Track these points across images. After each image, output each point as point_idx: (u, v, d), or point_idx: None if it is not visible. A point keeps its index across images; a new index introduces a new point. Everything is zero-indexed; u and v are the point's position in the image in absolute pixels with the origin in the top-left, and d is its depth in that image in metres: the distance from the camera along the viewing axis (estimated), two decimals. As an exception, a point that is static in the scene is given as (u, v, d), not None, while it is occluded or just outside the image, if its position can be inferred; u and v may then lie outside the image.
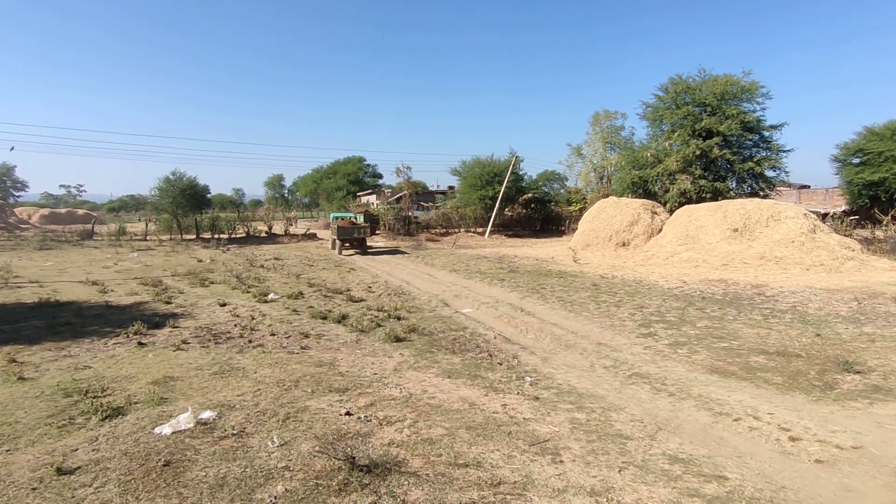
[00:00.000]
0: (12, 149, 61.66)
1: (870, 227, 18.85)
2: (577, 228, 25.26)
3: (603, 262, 18.29)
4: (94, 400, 5.15)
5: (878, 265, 14.05)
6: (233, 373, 6.17)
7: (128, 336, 7.88)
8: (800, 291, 11.19)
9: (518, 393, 5.62)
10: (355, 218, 26.74)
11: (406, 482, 3.62)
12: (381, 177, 59.15)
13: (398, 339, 7.86)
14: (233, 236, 31.40)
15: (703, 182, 21.43)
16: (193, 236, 30.53)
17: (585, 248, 21.30)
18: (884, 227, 18.38)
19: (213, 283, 13.67)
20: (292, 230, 35.82)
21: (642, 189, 24.13)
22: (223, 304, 10.52)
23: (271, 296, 11.51)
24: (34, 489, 3.58)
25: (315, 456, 3.96)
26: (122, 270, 16.52)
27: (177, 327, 8.53)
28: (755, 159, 21.83)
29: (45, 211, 54.34)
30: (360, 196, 48.82)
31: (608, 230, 21.39)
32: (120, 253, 22.32)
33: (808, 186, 36.19)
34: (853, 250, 14.94)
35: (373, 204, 39.15)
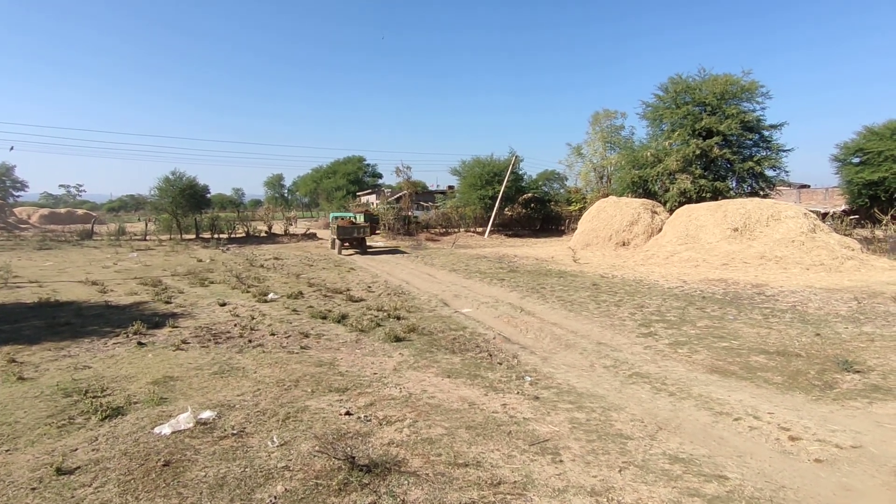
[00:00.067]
0: (12, 148, 61.68)
1: (869, 226, 18.86)
2: (576, 228, 25.26)
3: (603, 261, 18.29)
4: (93, 400, 5.14)
5: (878, 265, 14.06)
6: (232, 373, 6.17)
7: (127, 336, 7.88)
8: (800, 291, 11.19)
9: (518, 392, 5.62)
10: (354, 218, 26.74)
11: (406, 482, 3.62)
12: (380, 176, 59.24)
13: (398, 339, 7.85)
14: (232, 236, 31.41)
15: (703, 181, 21.43)
16: (193, 236, 30.52)
17: (585, 248, 21.29)
18: (883, 227, 18.38)
19: (212, 282, 13.67)
20: (292, 230, 35.83)
21: (642, 189, 24.13)
22: (223, 304, 10.52)
23: (271, 295, 11.51)
24: (34, 489, 3.58)
25: (315, 456, 3.96)
26: (122, 270, 16.52)
27: (176, 327, 8.53)
28: (755, 159, 21.83)
29: (45, 211, 54.34)
30: (359, 196, 48.83)
31: (608, 230, 21.39)
32: (119, 253, 22.31)
33: (808, 186, 36.19)
34: (853, 250, 14.95)
35: (372, 204, 39.17)
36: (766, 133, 22.43)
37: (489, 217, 32.80)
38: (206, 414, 4.80)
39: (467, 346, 7.68)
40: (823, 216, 20.72)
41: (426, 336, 8.21)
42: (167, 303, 10.75)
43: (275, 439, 4.27)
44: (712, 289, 11.93)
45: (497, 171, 32.94)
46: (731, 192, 21.87)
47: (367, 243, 24.13)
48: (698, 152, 21.39)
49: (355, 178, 54.76)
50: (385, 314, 9.74)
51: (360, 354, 7.13)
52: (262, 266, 17.77)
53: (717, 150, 21.37)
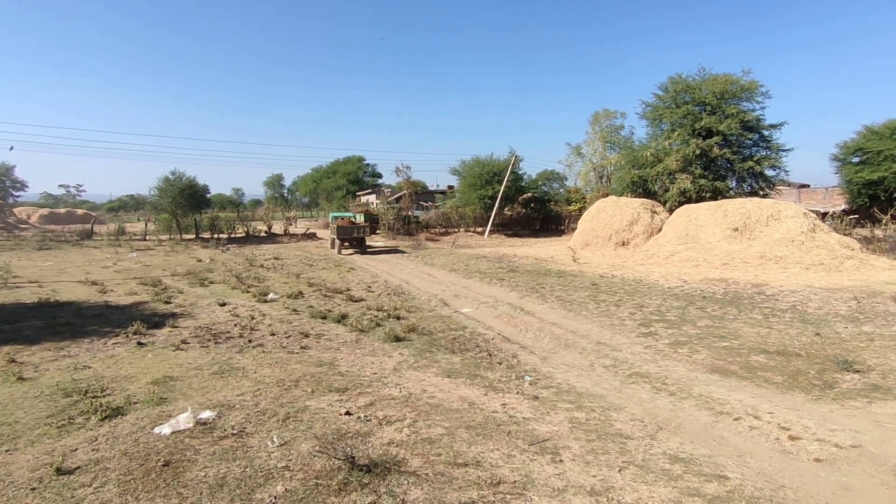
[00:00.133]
0: (11, 148, 61.72)
1: (869, 226, 18.86)
2: (576, 228, 25.25)
3: (602, 261, 18.29)
4: (93, 400, 5.14)
5: (878, 264, 14.06)
6: (232, 373, 6.17)
7: (127, 336, 7.88)
8: (800, 290, 11.20)
9: (517, 392, 5.62)
10: (354, 217, 26.75)
11: (406, 482, 3.62)
12: (380, 176, 59.22)
13: (398, 339, 7.85)
14: (232, 236, 31.41)
15: (702, 181, 21.43)
16: (193, 236, 30.51)
17: (585, 248, 21.29)
18: (883, 226, 18.39)
19: (212, 282, 13.67)
20: (292, 230, 35.83)
21: (642, 188, 24.13)
22: (223, 304, 10.52)
23: (271, 295, 11.51)
24: (34, 489, 3.58)
25: (315, 456, 3.96)
26: (122, 270, 16.52)
27: (176, 327, 8.53)
28: (755, 158, 21.82)
29: (45, 211, 54.34)
30: (359, 196, 48.81)
31: (608, 229, 21.39)
32: (119, 253, 22.31)
33: (808, 185, 36.17)
34: (853, 249, 14.95)
35: (372, 203, 39.16)
36: (765, 133, 22.43)
37: (489, 217, 32.80)
38: (206, 414, 4.79)
39: (467, 346, 7.68)
40: (823, 216, 20.72)
41: (426, 336, 8.21)
42: (167, 303, 10.75)
43: (275, 439, 4.27)
44: (712, 288, 11.93)
45: (497, 170, 32.94)
46: (731, 191, 21.87)
47: (367, 243, 24.14)
48: (698, 152, 21.39)
49: (355, 177, 54.75)
50: (385, 314, 9.74)
51: (360, 354, 7.13)
52: (261, 266, 17.77)
53: (717, 150, 21.37)
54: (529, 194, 35.49)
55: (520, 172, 34.80)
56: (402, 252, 23.29)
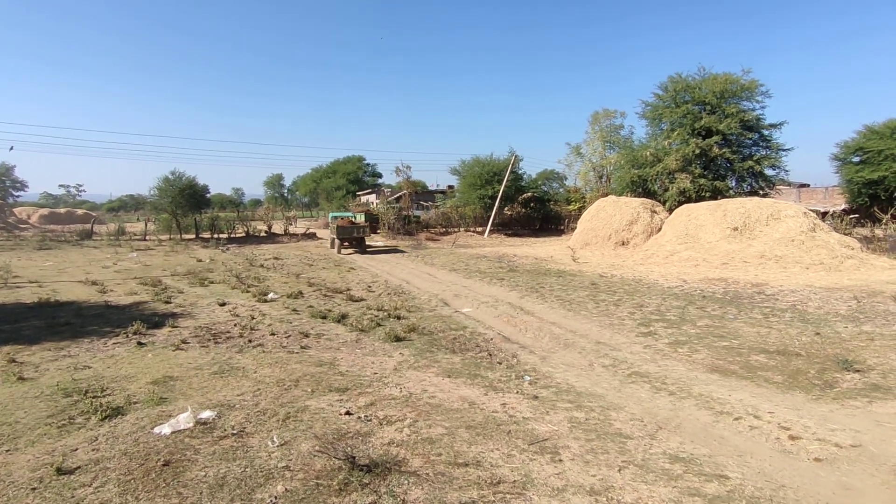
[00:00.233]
0: (11, 148, 61.74)
1: (869, 225, 18.86)
2: (576, 227, 25.26)
3: (602, 261, 18.29)
4: (93, 400, 5.14)
5: (878, 264, 14.06)
6: (232, 372, 6.17)
7: (127, 336, 7.88)
8: (799, 290, 11.20)
9: (517, 392, 5.62)
10: (354, 217, 26.76)
11: (406, 481, 3.62)
12: (380, 176, 59.21)
13: (398, 339, 7.86)
14: (232, 236, 31.42)
15: (702, 181, 21.42)
16: (193, 236, 30.51)
17: (584, 247, 21.30)
18: (883, 226, 18.39)
19: (212, 282, 13.67)
20: (292, 230, 35.83)
21: (641, 188, 24.13)
22: (223, 304, 10.52)
23: (271, 295, 11.51)
24: (34, 489, 3.58)
25: (315, 455, 3.96)
26: (122, 270, 16.52)
27: (176, 327, 8.53)
28: (755, 158, 21.81)
29: (45, 211, 54.35)
30: (359, 195, 48.81)
31: (607, 229, 21.39)
32: (119, 253, 22.31)
33: (808, 185, 36.18)
34: (853, 249, 14.95)
35: (372, 203, 39.16)
36: (765, 132, 22.42)
37: (489, 216, 32.80)
38: (206, 414, 4.80)
39: (467, 346, 7.68)
40: (823, 215, 20.71)
41: (426, 336, 8.21)
42: (167, 303, 10.75)
43: (275, 439, 4.28)
44: (712, 288, 11.93)
45: (497, 170, 32.95)
46: (731, 191, 21.86)
47: (367, 243, 24.14)
48: (698, 151, 21.39)
49: (355, 177, 54.75)
50: (385, 314, 9.74)
51: (361, 354, 7.13)
52: (261, 266, 17.77)
53: (717, 150, 21.36)
54: (529, 194, 35.49)
55: (520, 172, 34.82)
56: (402, 252, 23.29)
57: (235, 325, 8.77)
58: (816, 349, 7.04)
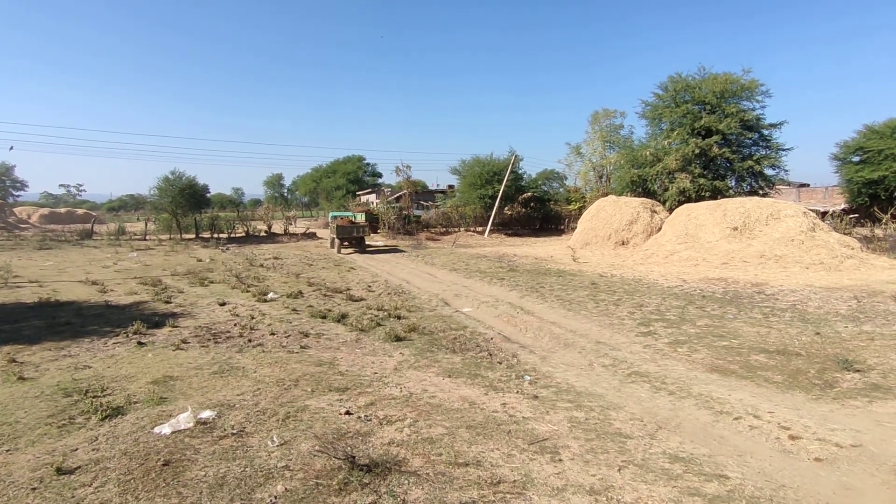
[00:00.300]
0: (11, 148, 61.76)
1: (869, 225, 18.86)
2: (576, 227, 25.26)
3: (602, 260, 18.30)
4: (93, 400, 5.15)
5: (878, 263, 14.06)
6: (232, 372, 6.17)
7: (127, 336, 7.88)
8: (799, 290, 11.20)
9: (517, 392, 5.62)
10: (354, 217, 26.76)
11: (406, 481, 3.62)
12: (380, 176, 59.16)
13: (398, 339, 7.85)
14: (232, 235, 31.41)
15: (702, 181, 21.42)
16: (193, 236, 30.51)
17: (584, 247, 21.30)
18: (883, 226, 18.38)
19: (212, 282, 13.67)
20: (292, 229, 35.81)
21: (641, 188, 24.13)
22: (223, 304, 10.52)
23: (271, 295, 11.51)
24: (34, 489, 3.58)
25: (315, 455, 3.96)
26: (122, 270, 16.52)
27: (176, 327, 8.53)
28: (754, 158, 21.81)
29: (45, 210, 54.33)
30: (359, 195, 48.78)
31: (607, 229, 21.39)
32: (119, 252, 22.31)
33: (808, 185, 36.17)
34: (853, 248, 14.95)
35: (372, 203, 39.14)
36: (765, 132, 22.43)
37: (489, 216, 32.80)
38: (206, 413, 4.80)
39: (467, 346, 7.68)
40: (823, 215, 20.72)
41: (427, 335, 8.21)
42: (167, 302, 10.75)
43: (275, 439, 4.28)
44: (712, 288, 11.93)
45: (497, 170, 32.94)
46: (731, 191, 21.87)
47: (367, 242, 24.14)
48: (697, 151, 21.39)
49: (355, 177, 54.71)
50: (385, 313, 9.74)
51: (361, 354, 7.13)
52: (261, 265, 17.77)
53: (717, 149, 21.36)
54: (529, 194, 35.49)
55: (520, 172, 34.80)
56: (402, 251, 23.29)
57: (235, 324, 8.77)
58: (816, 349, 7.04)
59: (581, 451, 4.16)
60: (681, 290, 11.91)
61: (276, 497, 3.43)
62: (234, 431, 4.47)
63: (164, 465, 3.88)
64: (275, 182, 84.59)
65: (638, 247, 19.71)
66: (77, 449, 4.19)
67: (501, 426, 4.64)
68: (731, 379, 6.03)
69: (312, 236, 32.61)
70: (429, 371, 6.37)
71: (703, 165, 22.03)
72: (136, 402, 5.19)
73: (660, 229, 19.88)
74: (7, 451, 4.17)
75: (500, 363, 6.81)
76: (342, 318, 9.20)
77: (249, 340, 7.75)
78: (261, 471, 3.78)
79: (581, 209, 30.26)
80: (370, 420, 4.75)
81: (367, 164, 58.34)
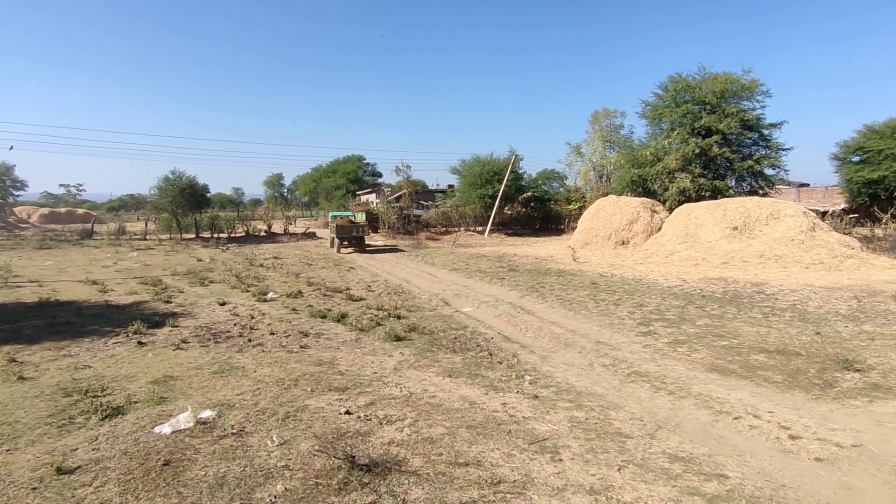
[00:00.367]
0: (11, 148, 61.75)
1: (869, 225, 18.85)
2: (576, 227, 25.25)
3: (602, 260, 18.29)
4: (93, 399, 5.15)
5: (878, 263, 14.06)
6: (232, 372, 6.17)
7: (128, 335, 7.88)
8: (799, 290, 11.20)
9: (518, 391, 5.62)
10: (354, 216, 26.77)
11: (406, 481, 3.62)
12: (380, 175, 59.16)
13: (398, 338, 7.85)
14: (232, 235, 31.41)
15: (702, 180, 21.42)
16: (193, 235, 30.51)
17: (584, 247, 21.29)
18: (883, 225, 18.38)
19: (212, 282, 13.67)
20: (291, 229, 35.81)
21: (641, 187, 24.12)
22: (223, 304, 10.52)
23: (271, 295, 11.51)
24: (34, 489, 3.58)
25: (315, 455, 3.96)
26: (122, 270, 16.51)
27: (176, 326, 8.52)
28: (754, 157, 21.82)
29: (45, 210, 54.32)
30: (359, 195, 48.77)
31: (607, 229, 21.39)
32: (119, 252, 22.30)
33: (808, 185, 36.18)
34: (853, 248, 14.94)
35: (372, 203, 39.13)
36: (765, 132, 22.43)
37: (489, 216, 32.79)
38: (206, 413, 4.80)
39: (468, 346, 7.68)
40: (823, 215, 20.71)
41: (427, 335, 8.21)
42: (167, 302, 10.75)
43: (274, 438, 4.28)
44: (712, 287, 11.93)
45: (497, 170, 32.94)
46: (731, 190, 21.87)
47: (367, 242, 24.14)
48: (697, 151, 21.39)
49: (355, 177, 54.72)
50: (385, 313, 9.74)
51: (360, 353, 7.13)
52: (261, 265, 17.77)
53: (717, 149, 21.36)
54: (529, 193, 35.48)
55: (520, 172, 34.80)
56: (402, 251, 23.29)
57: (235, 324, 8.77)
58: (816, 348, 7.04)
59: (581, 451, 4.16)
60: (681, 289, 11.90)
61: (275, 497, 3.43)
62: (234, 431, 4.47)
63: (164, 464, 3.88)
64: (275, 182, 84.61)
65: (638, 246, 19.71)
66: (77, 449, 4.19)
67: (502, 426, 4.64)
68: (730, 379, 6.03)
69: (312, 236, 32.61)
70: (429, 371, 6.37)
71: (703, 165, 22.03)
72: (136, 402, 5.19)
73: (660, 229, 19.88)
74: (7, 450, 4.17)
75: (501, 363, 6.81)
76: (342, 317, 9.20)
77: (249, 340, 7.75)
78: (260, 470, 3.78)
79: (581, 209, 30.25)
80: (370, 420, 4.75)
81: (367, 163, 58.38)
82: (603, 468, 3.87)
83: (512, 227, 34.45)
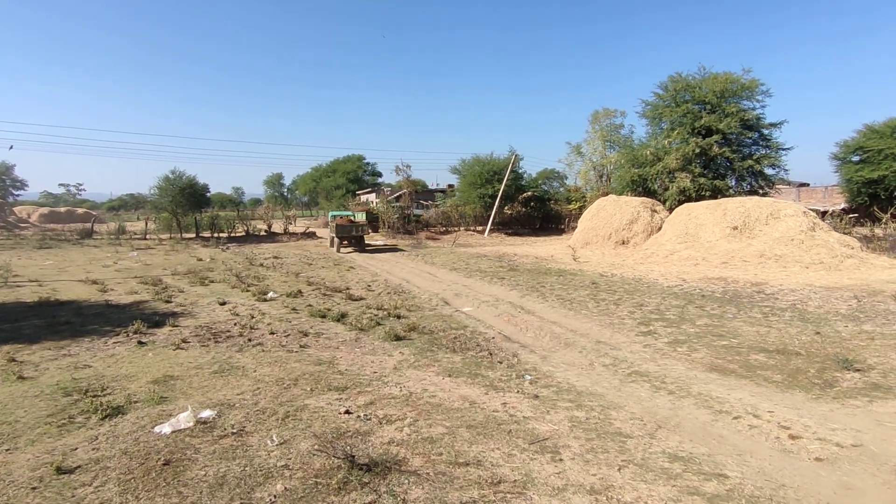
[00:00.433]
0: (11, 147, 61.74)
1: (869, 224, 18.85)
2: (576, 227, 25.24)
3: (602, 260, 18.29)
4: (93, 399, 5.15)
5: (878, 263, 14.06)
6: (232, 371, 6.17)
7: (128, 335, 7.88)
8: (799, 289, 11.19)
9: (518, 391, 5.62)
10: (353, 216, 26.78)
11: (406, 481, 3.62)
12: (380, 175, 59.14)
13: (398, 338, 7.85)
14: (232, 235, 31.41)
15: (702, 180, 21.42)
16: (193, 235, 30.52)
17: (585, 247, 21.29)
18: (883, 225, 18.39)
19: (212, 281, 13.67)
20: (291, 229, 35.82)
21: (642, 187, 24.12)
22: (223, 303, 10.52)
23: (270, 294, 11.51)
24: (34, 488, 3.58)
25: (314, 454, 3.96)
26: (122, 269, 16.51)
27: (177, 326, 8.52)
28: (754, 157, 21.81)
29: (45, 210, 54.35)
30: (359, 194, 48.77)
31: (607, 228, 21.38)
32: (119, 252, 22.30)
33: (808, 184, 36.19)
34: (852, 248, 14.94)
35: (372, 202, 39.13)
36: (765, 131, 22.43)
37: (489, 216, 32.79)
38: (206, 413, 4.80)
39: (468, 345, 7.68)
40: (823, 214, 20.72)
41: (427, 335, 8.21)
42: (167, 302, 10.75)
43: (274, 438, 4.28)
44: (712, 287, 11.93)
45: (497, 169, 32.94)
46: (731, 190, 21.87)
47: (367, 242, 24.14)
48: (698, 151, 21.38)
49: (355, 176, 54.70)
50: (385, 313, 9.74)
51: (360, 353, 7.13)
52: (261, 265, 17.77)
53: (717, 149, 21.36)
54: (529, 193, 35.47)
55: (520, 171, 34.79)
56: (402, 251, 23.29)
57: (235, 324, 8.77)
58: (816, 348, 7.04)
59: (581, 451, 4.15)
60: (681, 289, 11.90)
61: (275, 496, 3.43)
62: (234, 431, 4.47)
63: (164, 464, 3.88)
64: (275, 181, 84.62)
65: (638, 246, 19.71)
66: (77, 448, 4.19)
67: (502, 426, 4.64)
68: (730, 378, 6.03)
69: (312, 236, 32.61)
70: (429, 370, 6.37)
71: (703, 165, 22.03)
72: (136, 402, 5.19)
73: (660, 229, 19.88)
74: (7, 450, 4.17)
75: (501, 363, 6.81)
76: (342, 317, 9.20)
77: (249, 340, 7.75)
78: (260, 470, 3.78)
79: (581, 209, 30.25)
80: (370, 419, 4.75)
81: (367, 163, 58.37)
82: (603, 468, 3.87)
83: (512, 226, 34.45)
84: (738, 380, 5.97)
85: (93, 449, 4.17)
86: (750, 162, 21.52)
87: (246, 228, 32.88)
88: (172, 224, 30.34)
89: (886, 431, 4.51)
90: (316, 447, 4.02)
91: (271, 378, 5.91)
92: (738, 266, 14.46)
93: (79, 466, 3.87)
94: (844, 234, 17.03)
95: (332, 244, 24.21)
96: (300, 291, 11.90)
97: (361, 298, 11.52)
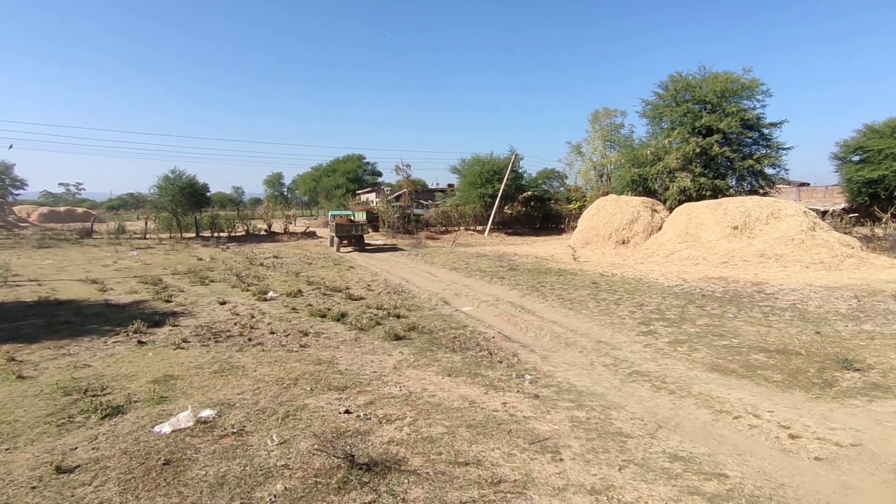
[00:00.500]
0: (11, 147, 61.73)
1: (869, 224, 18.85)
2: (576, 226, 25.23)
3: (602, 259, 18.29)
4: (93, 398, 5.15)
5: (878, 263, 14.06)
6: (232, 371, 6.17)
7: (127, 334, 7.88)
8: (799, 289, 11.19)
9: (518, 391, 5.62)
10: (353, 216, 26.78)
11: (406, 480, 3.62)
12: (380, 175, 59.11)
13: (398, 338, 7.85)
14: (232, 234, 31.40)
15: (702, 180, 21.41)
16: (193, 234, 30.51)
17: (585, 246, 21.29)
18: (883, 225, 18.39)
19: (212, 281, 13.67)
20: (291, 228, 35.80)
21: (642, 187, 24.11)
22: (223, 303, 10.52)
23: (270, 294, 11.51)
24: (34, 488, 3.58)
25: (314, 454, 3.96)
26: (122, 269, 16.51)
27: (177, 326, 8.52)
28: (755, 157, 21.80)
29: (44, 209, 54.31)
30: (359, 194, 48.75)
31: (608, 228, 21.38)
32: (119, 251, 22.30)
33: (808, 184, 36.17)
34: (853, 248, 14.94)
35: (372, 202, 39.13)
36: (765, 131, 22.41)
37: (489, 215, 32.78)
38: (206, 412, 4.80)
39: (468, 345, 7.68)
40: (823, 214, 20.71)
41: (426, 334, 8.20)
42: (167, 301, 10.74)
43: (274, 438, 4.28)
44: (712, 287, 11.93)
45: (497, 169, 32.92)
46: (731, 190, 21.86)
47: (367, 241, 24.15)
48: (698, 150, 21.37)
49: (355, 176, 54.68)
50: (385, 312, 9.73)
51: (360, 353, 7.13)
52: (261, 264, 17.77)
53: (717, 148, 21.34)
54: (529, 193, 35.46)
55: (520, 171, 34.76)
56: (402, 250, 23.28)
57: (235, 323, 8.77)
58: (816, 348, 7.04)
59: (582, 451, 4.15)
60: (681, 289, 11.90)
61: (275, 496, 3.43)
62: (234, 430, 4.47)
63: (164, 464, 3.88)
64: (275, 181, 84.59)
65: (638, 246, 19.71)
66: (77, 448, 4.18)
67: (502, 425, 4.64)
68: (730, 378, 6.03)
69: (312, 235, 32.60)
70: (428, 370, 6.37)
71: (703, 164, 22.02)
72: (136, 401, 5.19)
73: (660, 228, 19.88)
74: (6, 449, 4.17)
75: (501, 362, 6.80)
76: (341, 316, 9.20)
77: (249, 339, 7.74)
78: (260, 470, 3.78)
79: (581, 208, 30.25)
80: (369, 419, 4.75)
81: (367, 162, 58.32)
82: (604, 468, 3.87)
83: (512, 226, 34.43)
84: (739, 379, 5.97)
85: (92, 448, 4.17)
86: (750, 161, 21.51)
87: (246, 228, 32.87)
88: (172, 223, 30.34)
89: (885, 431, 4.51)
90: (316, 447, 4.02)
91: (271, 378, 5.91)
92: (738, 266, 14.46)
93: (78, 466, 3.87)
94: (845, 233, 17.02)
95: (331, 244, 24.21)
96: (300, 291, 11.90)
97: (361, 298, 11.51)
